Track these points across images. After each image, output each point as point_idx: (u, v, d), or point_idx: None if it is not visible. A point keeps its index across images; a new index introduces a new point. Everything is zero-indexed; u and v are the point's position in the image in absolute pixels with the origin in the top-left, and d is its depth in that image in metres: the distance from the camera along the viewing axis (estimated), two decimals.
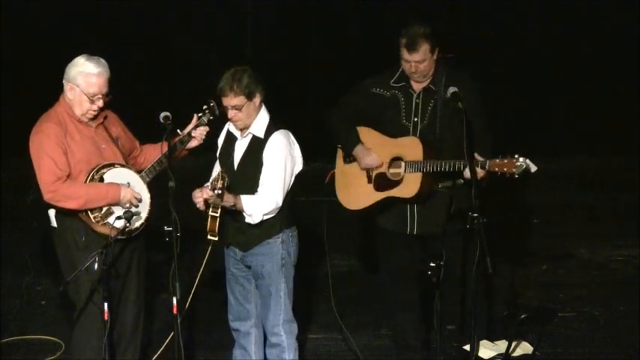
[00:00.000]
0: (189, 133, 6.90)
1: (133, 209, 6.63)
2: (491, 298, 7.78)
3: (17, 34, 11.40)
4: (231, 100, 6.66)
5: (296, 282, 6.87)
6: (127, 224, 6.53)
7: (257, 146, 6.72)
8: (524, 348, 7.78)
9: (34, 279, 9.23)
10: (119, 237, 6.58)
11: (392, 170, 7.20)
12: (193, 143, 6.94)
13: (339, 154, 7.40)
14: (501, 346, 7.73)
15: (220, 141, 6.94)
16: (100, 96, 6.64)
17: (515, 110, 11.86)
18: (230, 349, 7.08)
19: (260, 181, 6.67)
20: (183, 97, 11.63)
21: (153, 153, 6.87)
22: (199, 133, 6.92)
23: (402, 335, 7.50)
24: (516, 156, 6.84)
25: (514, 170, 6.84)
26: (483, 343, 7.77)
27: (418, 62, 7.05)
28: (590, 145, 11.86)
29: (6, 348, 7.95)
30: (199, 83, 11.90)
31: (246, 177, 6.71)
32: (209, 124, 6.94)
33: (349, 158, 7.31)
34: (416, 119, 7.15)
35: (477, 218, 6.57)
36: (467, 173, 6.88)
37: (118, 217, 6.56)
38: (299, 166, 6.81)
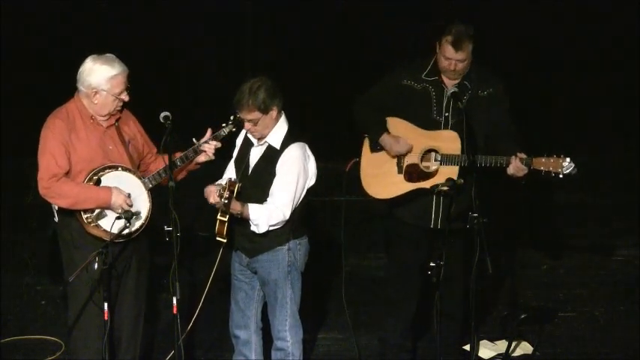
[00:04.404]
0: (194, 149, 6.85)
1: (133, 209, 6.63)
2: (491, 298, 7.80)
3: (17, 34, 11.39)
4: (246, 115, 6.65)
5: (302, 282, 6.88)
6: (127, 224, 6.53)
7: (272, 156, 6.72)
8: (524, 348, 7.79)
9: (34, 279, 9.23)
10: (115, 240, 6.58)
11: (425, 162, 7.18)
12: (202, 158, 6.90)
13: (366, 143, 7.36)
14: (501, 346, 7.73)
15: (239, 142, 6.92)
16: (125, 91, 6.69)
17: (515, 110, 11.85)
18: (231, 351, 7.08)
19: (270, 191, 6.67)
20: (183, 97, 11.65)
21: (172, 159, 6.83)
22: (209, 148, 6.85)
23: (392, 334, 7.46)
24: (562, 156, 6.84)
25: (560, 170, 6.85)
26: (483, 343, 7.77)
27: (459, 61, 7.04)
28: (590, 145, 11.85)
29: (6, 348, 7.96)
30: (199, 83, 11.92)
31: (258, 185, 6.70)
32: (222, 140, 6.89)
33: (377, 147, 7.27)
34: (447, 114, 7.14)
35: (477, 218, 6.57)
36: (509, 170, 6.90)
37: (118, 217, 6.56)
38: (312, 181, 6.80)
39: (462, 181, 6.92)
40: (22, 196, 10.57)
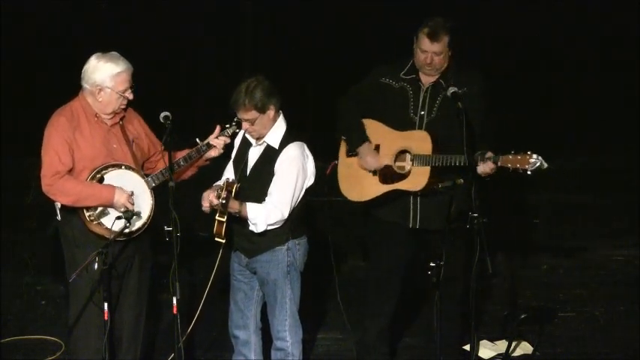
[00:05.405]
0: (207, 143, 6.88)
1: (135, 208, 6.64)
2: (491, 298, 7.79)
3: (17, 34, 11.40)
4: (243, 115, 6.65)
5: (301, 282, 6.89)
6: (127, 224, 6.53)
7: (270, 156, 6.71)
8: (524, 348, 7.79)
9: (34, 279, 9.24)
10: (117, 238, 6.59)
11: (398, 163, 7.19)
12: (213, 153, 6.91)
13: (343, 145, 7.38)
14: (501, 346, 7.74)
15: (237, 142, 6.92)
16: (129, 89, 6.70)
17: (516, 110, 11.86)
18: (230, 351, 7.08)
19: (269, 190, 6.67)
20: (183, 97, 11.66)
21: (174, 159, 6.83)
22: (220, 142, 6.87)
23: (368, 336, 7.47)
24: (529, 152, 6.84)
25: (527, 167, 6.84)
26: (483, 343, 7.77)
27: (435, 53, 7.05)
28: (590, 145, 11.86)
29: (6, 348, 7.96)
30: (199, 83, 11.92)
31: (257, 185, 6.70)
32: (232, 136, 6.92)
33: (352, 153, 7.30)
34: (423, 113, 7.16)
35: (477, 218, 6.57)
36: (479, 169, 6.91)
37: (118, 217, 6.56)
38: (310, 180, 6.79)
39: (462, 180, 6.93)
40: (22, 196, 10.59)
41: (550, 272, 9.55)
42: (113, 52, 6.75)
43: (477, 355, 7.36)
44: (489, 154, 6.91)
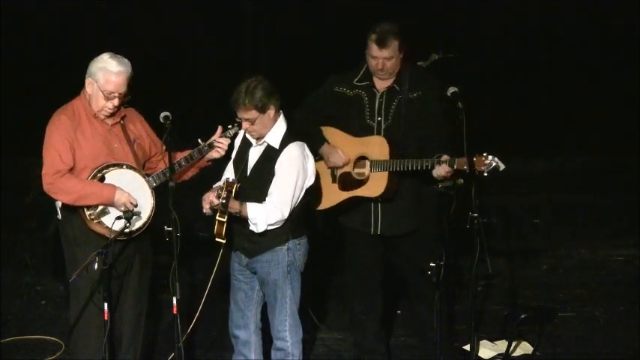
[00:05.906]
0: (209, 144, 6.88)
1: (134, 209, 6.64)
2: (491, 298, 7.78)
3: (17, 34, 11.40)
4: (243, 114, 6.65)
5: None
6: (127, 224, 6.53)
7: (271, 156, 6.71)
8: (524, 348, 7.79)
9: (34, 279, 9.24)
10: (117, 238, 6.59)
11: (357, 170, 7.19)
12: (214, 154, 6.90)
13: None
14: (501, 346, 7.74)
15: (237, 142, 6.92)
16: (116, 95, 6.68)
17: (516, 110, 11.87)
18: (230, 351, 7.09)
19: (269, 190, 6.67)
20: (183, 97, 11.65)
21: (175, 159, 6.84)
22: (221, 145, 6.86)
23: (365, 339, 7.47)
24: (485, 154, 6.85)
25: (483, 168, 6.85)
26: (483, 343, 7.78)
27: (386, 59, 7.06)
28: (590, 145, 11.85)
29: (6, 348, 7.96)
30: (199, 83, 11.92)
31: (257, 185, 6.70)
32: (233, 137, 6.92)
33: (317, 158, 7.27)
34: (379, 118, 7.16)
35: (477, 218, 6.57)
36: (435, 172, 6.91)
37: (118, 217, 6.57)
38: (310, 180, 6.79)
39: (462, 181, 6.94)
40: (22, 196, 10.58)
41: (550, 272, 9.55)
42: (123, 57, 6.73)
43: (476, 355, 7.37)
44: (445, 157, 6.91)
